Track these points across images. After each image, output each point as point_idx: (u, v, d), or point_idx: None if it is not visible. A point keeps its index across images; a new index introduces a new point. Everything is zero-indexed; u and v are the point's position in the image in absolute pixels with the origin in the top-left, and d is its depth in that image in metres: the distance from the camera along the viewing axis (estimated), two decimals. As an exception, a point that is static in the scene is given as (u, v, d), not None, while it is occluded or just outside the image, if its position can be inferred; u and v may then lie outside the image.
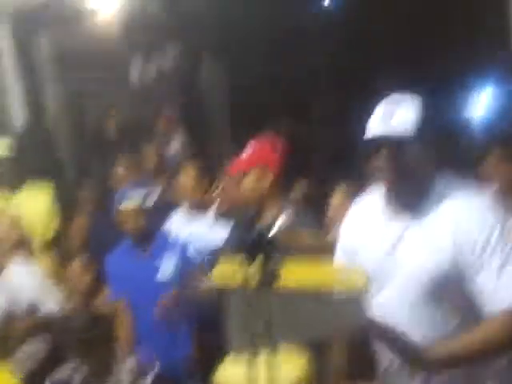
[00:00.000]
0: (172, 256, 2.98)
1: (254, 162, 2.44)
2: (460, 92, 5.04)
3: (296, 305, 1.52)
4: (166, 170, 4.00)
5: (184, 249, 3.02)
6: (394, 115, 1.69)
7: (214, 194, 3.14)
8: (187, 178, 3.17)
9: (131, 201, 2.92)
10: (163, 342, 2.92)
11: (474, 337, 1.63)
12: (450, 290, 1.67)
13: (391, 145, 1.68)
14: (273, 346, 1.51)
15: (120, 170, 3.56)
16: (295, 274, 1.53)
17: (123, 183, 3.38)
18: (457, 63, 4.92)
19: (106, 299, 3.05)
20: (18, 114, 4.96)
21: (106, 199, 3.46)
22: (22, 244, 3.22)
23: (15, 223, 3.24)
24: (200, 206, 3.15)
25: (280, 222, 1.73)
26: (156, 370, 2.48)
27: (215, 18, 5.59)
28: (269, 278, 1.41)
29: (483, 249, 1.62)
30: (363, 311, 1.54)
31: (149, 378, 2.44)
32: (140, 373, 2.45)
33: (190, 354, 2.98)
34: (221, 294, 1.69)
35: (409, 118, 1.69)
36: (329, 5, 6.34)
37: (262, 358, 1.51)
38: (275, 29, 5.52)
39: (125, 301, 2.97)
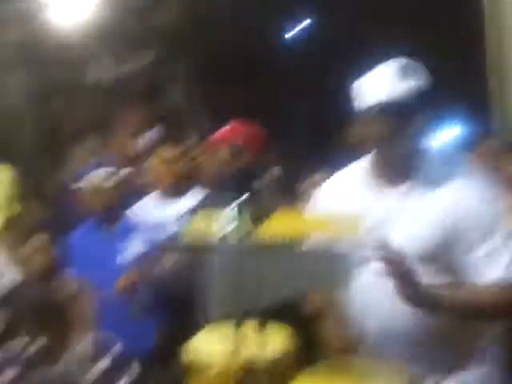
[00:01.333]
0: (137, 238, 2.83)
1: (229, 140, 2.40)
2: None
3: (283, 257, 1.41)
4: (136, 157, 3.86)
5: (150, 232, 2.87)
6: (399, 79, 1.62)
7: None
8: (160, 161, 3.04)
9: (96, 177, 2.77)
10: (126, 328, 2.75)
11: (475, 292, 1.60)
12: (436, 264, 1.62)
13: (394, 111, 1.59)
14: (260, 306, 1.41)
15: (83, 152, 3.41)
16: (282, 225, 1.43)
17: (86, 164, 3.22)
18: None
19: (65, 280, 2.86)
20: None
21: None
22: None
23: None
24: (172, 191, 3.01)
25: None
26: (116, 349, 2.34)
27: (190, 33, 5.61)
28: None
29: (477, 229, 1.58)
30: (352, 262, 1.44)
31: (107, 358, 2.29)
32: (98, 352, 2.30)
33: (154, 344, 2.82)
34: (197, 254, 1.56)
35: (412, 84, 1.62)
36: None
37: (243, 329, 1.40)
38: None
39: (86, 280, 2.80)
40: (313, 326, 1.82)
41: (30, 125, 5.27)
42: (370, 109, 1.62)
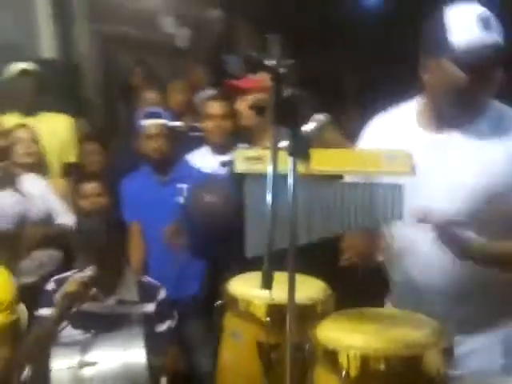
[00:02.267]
0: (189, 185, 2.86)
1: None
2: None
3: (332, 192, 1.41)
4: (192, 111, 3.89)
5: (201, 179, 2.91)
6: (491, 23, 1.55)
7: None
8: (213, 117, 3.05)
9: (157, 119, 2.82)
10: (173, 273, 2.84)
11: None
12: (494, 211, 1.57)
13: (489, 54, 1.52)
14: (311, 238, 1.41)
15: (148, 94, 3.46)
16: (331, 160, 1.42)
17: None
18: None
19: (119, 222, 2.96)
20: (47, 46, 4.89)
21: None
22: (38, 162, 3.15)
23: (35, 138, 3.16)
24: (223, 145, 3.03)
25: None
26: (163, 294, 2.41)
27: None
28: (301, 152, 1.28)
29: None
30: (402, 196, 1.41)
31: (153, 302, 2.37)
32: (146, 294, 2.37)
33: (200, 292, 2.89)
34: (246, 183, 1.56)
35: (500, 26, 1.56)
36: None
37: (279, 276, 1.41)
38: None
39: (139, 224, 2.89)
40: (347, 274, 1.82)
41: (96, 77, 5.39)
42: (455, 51, 1.54)
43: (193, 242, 2.66)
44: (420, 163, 1.57)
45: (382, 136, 1.73)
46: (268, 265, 1.24)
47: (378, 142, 1.71)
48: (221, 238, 2.36)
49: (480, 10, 1.56)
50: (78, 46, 5.20)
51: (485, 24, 1.53)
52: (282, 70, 1.19)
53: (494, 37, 1.53)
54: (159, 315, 2.36)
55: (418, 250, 1.64)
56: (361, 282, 1.98)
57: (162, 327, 2.35)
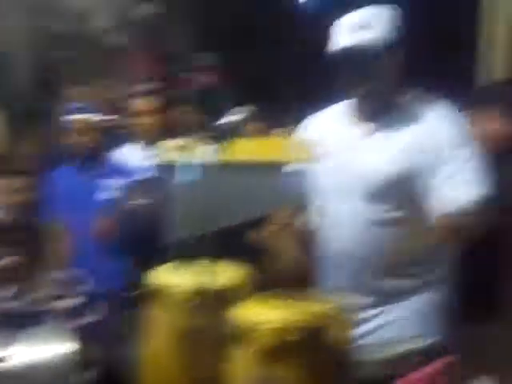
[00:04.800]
0: (119, 180, 2.87)
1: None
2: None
3: (245, 179, 1.49)
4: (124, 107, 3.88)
5: (129, 175, 2.92)
6: (371, 24, 1.70)
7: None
8: (142, 112, 3.07)
9: (83, 114, 2.81)
10: (99, 268, 2.82)
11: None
12: (403, 190, 1.72)
13: (366, 54, 1.68)
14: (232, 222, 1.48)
15: (75, 90, 3.42)
16: (244, 149, 1.51)
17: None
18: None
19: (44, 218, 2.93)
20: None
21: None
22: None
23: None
24: (152, 141, 3.05)
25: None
26: (89, 287, 2.40)
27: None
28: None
29: (437, 158, 1.68)
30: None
31: (80, 296, 2.36)
32: (71, 288, 2.36)
33: (127, 285, 2.89)
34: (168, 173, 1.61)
35: (385, 25, 1.69)
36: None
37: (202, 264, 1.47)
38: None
39: (64, 220, 2.86)
40: (267, 255, 1.90)
41: (28, 70, 5.26)
42: (335, 53, 1.72)
43: (122, 238, 2.67)
44: (345, 153, 1.77)
45: (316, 131, 1.87)
46: (189, 249, 1.30)
47: (312, 136, 1.84)
48: (151, 235, 2.39)
49: (360, 13, 1.72)
50: (10, 39, 5.06)
51: (362, 26, 1.69)
52: (198, 64, 1.25)
53: (370, 35, 1.67)
54: (85, 308, 2.35)
55: (340, 224, 1.78)
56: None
57: (88, 320, 2.35)
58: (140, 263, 2.62)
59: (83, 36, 5.61)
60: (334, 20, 1.76)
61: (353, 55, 1.69)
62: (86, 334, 2.28)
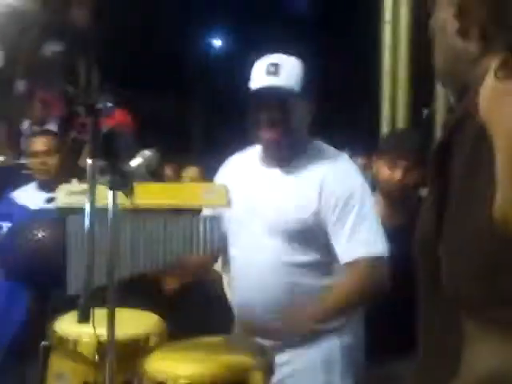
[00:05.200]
0: (11, 221, 2.71)
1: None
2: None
3: (152, 225, 1.45)
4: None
5: (26, 217, 2.76)
6: (280, 70, 1.73)
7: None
8: (36, 153, 2.94)
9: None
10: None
11: (342, 287, 1.75)
12: (309, 236, 1.74)
13: (278, 97, 1.72)
14: (134, 272, 1.42)
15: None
16: (154, 193, 1.46)
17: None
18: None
19: None
20: None
21: None
22: None
23: None
24: (51, 183, 2.92)
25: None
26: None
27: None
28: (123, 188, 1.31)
29: (342, 207, 1.72)
30: (221, 228, 1.51)
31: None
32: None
33: (22, 334, 2.71)
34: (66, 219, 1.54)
35: (294, 73, 1.74)
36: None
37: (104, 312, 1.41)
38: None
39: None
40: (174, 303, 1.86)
41: None
42: (256, 95, 1.75)
43: (14, 282, 2.51)
44: (254, 193, 1.78)
45: (231, 173, 1.88)
46: (85, 299, 1.23)
47: (228, 178, 1.85)
48: (50, 276, 2.26)
49: (272, 59, 1.76)
50: None
51: (272, 71, 1.72)
52: (99, 106, 1.21)
53: (280, 81, 1.72)
54: None
55: (251, 266, 1.76)
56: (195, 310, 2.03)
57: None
58: (42, 308, 2.50)
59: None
60: (246, 62, 1.79)
61: (264, 96, 1.72)
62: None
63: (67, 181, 2.75)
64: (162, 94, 6.83)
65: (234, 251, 1.82)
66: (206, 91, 7.05)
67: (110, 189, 1.28)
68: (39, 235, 2.11)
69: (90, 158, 1.22)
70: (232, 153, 1.96)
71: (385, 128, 3.17)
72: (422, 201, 1.05)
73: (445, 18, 0.93)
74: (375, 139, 3.02)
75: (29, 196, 2.91)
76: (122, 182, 1.34)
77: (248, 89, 1.77)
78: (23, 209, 2.78)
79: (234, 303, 1.88)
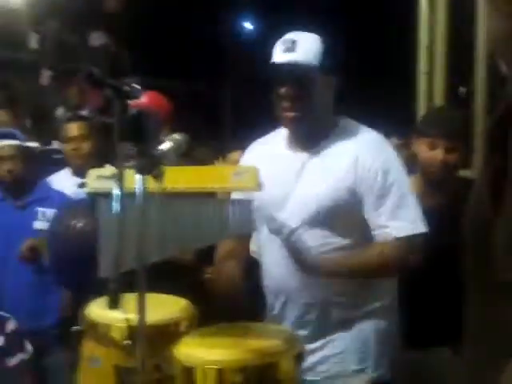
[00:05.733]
0: (51, 209, 2.72)
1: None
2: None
3: (183, 209, 1.42)
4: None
5: (65, 204, 2.79)
6: (297, 46, 1.69)
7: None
8: (69, 139, 2.96)
9: (9, 140, 2.67)
10: (30, 303, 2.68)
11: (357, 255, 1.70)
12: (344, 217, 1.70)
13: (296, 73, 1.67)
14: (164, 257, 1.41)
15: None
16: (183, 177, 1.44)
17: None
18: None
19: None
20: None
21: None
22: None
23: None
24: (84, 168, 2.92)
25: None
26: (12, 326, 2.27)
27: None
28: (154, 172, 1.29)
29: (382, 184, 1.67)
30: (252, 213, 1.47)
31: (2, 336, 2.23)
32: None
33: (59, 320, 2.74)
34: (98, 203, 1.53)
35: (312, 49, 1.68)
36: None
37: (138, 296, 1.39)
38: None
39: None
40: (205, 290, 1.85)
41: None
42: (274, 71, 1.71)
43: (56, 270, 2.52)
44: (283, 179, 1.73)
45: (257, 157, 1.83)
46: (114, 284, 1.22)
47: (254, 162, 1.79)
48: (88, 264, 2.27)
49: (289, 36, 1.72)
50: None
51: (289, 47, 1.68)
52: (126, 88, 1.19)
53: (297, 56, 1.67)
54: (9, 349, 2.23)
55: (281, 252, 1.71)
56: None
57: (13, 361, 2.22)
58: (74, 295, 2.52)
59: (19, 60, 5.46)
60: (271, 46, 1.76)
61: (282, 73, 1.68)
62: (13, 375, 2.15)
63: (100, 165, 2.81)
64: (196, 80, 6.82)
65: (263, 239, 1.79)
66: (239, 76, 7.03)
67: (138, 173, 1.26)
68: (81, 224, 2.10)
69: (118, 140, 1.20)
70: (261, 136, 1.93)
71: (421, 104, 3.06)
72: (474, 180, 1.00)
73: None
74: (410, 117, 2.95)
75: (64, 181, 2.94)
76: (151, 165, 1.31)
77: (267, 67, 1.74)
78: (59, 194, 2.82)
79: (266, 290, 1.84)
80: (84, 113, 4.27)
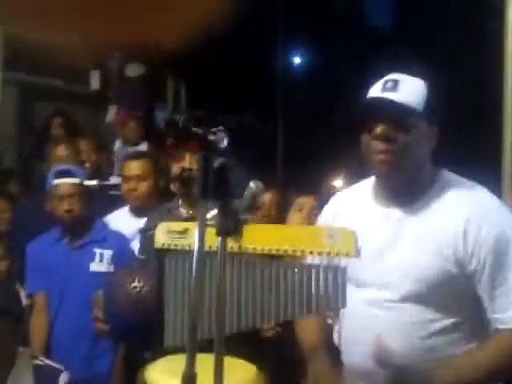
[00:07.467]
0: (108, 251, 2.61)
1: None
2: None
3: (266, 274, 1.23)
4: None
5: (123, 244, 2.66)
6: (399, 86, 1.49)
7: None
8: (129, 176, 2.83)
9: (68, 178, 2.57)
10: (83, 350, 2.54)
11: (485, 355, 1.42)
12: (451, 294, 1.45)
13: (396, 112, 1.45)
14: (241, 329, 1.23)
15: (60, 150, 3.18)
16: (266, 236, 1.25)
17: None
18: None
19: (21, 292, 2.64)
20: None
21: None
22: None
23: None
24: (140, 208, 2.80)
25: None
26: (65, 378, 2.13)
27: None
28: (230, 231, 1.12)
29: (500, 258, 1.41)
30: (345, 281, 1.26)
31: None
32: (45, 380, 2.09)
33: (113, 367, 2.59)
34: (166, 260, 1.37)
35: (415, 91, 1.49)
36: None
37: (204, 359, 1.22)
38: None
39: (45, 296, 2.58)
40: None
41: (8, 127, 5.09)
42: (368, 110, 1.50)
43: (112, 326, 2.36)
44: (373, 238, 1.48)
45: (340, 211, 1.63)
46: (190, 365, 1.04)
47: (336, 216, 1.62)
48: (144, 326, 2.10)
49: (390, 76, 1.52)
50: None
51: (390, 87, 1.48)
52: (211, 138, 1.03)
53: (399, 96, 1.47)
54: None
55: (365, 339, 1.48)
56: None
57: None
58: (132, 349, 2.35)
59: (75, 90, 5.52)
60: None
61: (380, 110, 1.46)
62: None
63: (159, 205, 2.67)
64: (244, 111, 6.75)
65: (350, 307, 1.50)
66: (289, 108, 6.93)
67: (219, 234, 1.09)
68: (137, 286, 1.93)
69: (201, 197, 1.04)
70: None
71: (508, 154, 2.83)
72: None
73: None
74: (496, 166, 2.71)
75: (121, 221, 2.82)
76: (230, 222, 1.15)
77: (357, 106, 1.54)
78: (117, 235, 2.70)
79: (346, 369, 1.58)
80: (143, 148, 4.18)
